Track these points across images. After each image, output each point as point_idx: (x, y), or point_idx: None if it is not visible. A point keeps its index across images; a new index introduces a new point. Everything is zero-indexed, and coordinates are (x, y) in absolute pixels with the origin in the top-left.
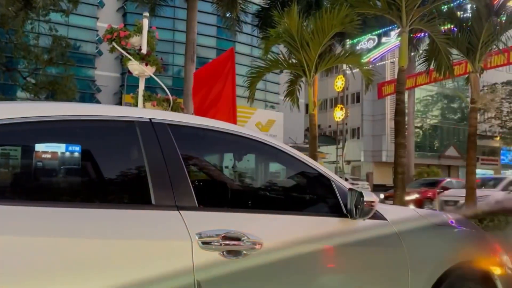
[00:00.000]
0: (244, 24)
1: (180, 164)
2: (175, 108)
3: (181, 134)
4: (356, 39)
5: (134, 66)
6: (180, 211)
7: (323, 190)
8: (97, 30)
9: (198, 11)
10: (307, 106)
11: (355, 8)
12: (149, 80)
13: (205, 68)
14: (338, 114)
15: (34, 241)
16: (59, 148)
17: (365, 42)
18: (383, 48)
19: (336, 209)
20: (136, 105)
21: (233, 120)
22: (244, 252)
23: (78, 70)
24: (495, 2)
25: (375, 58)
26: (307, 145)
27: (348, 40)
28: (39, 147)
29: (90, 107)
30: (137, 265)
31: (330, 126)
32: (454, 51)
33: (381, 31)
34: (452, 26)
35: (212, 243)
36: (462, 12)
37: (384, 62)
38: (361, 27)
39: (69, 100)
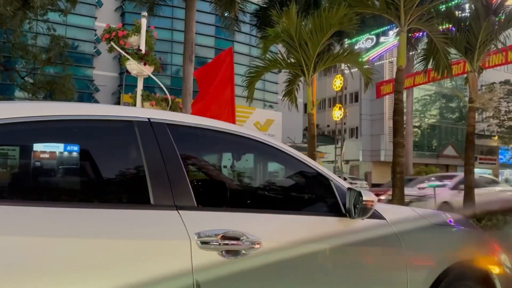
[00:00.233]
0: (242, 23)
1: (179, 164)
2: (174, 108)
3: (180, 134)
4: (355, 39)
5: (133, 66)
6: (179, 211)
7: (322, 189)
8: (95, 30)
9: (197, 10)
10: (305, 105)
11: (353, 8)
12: (147, 80)
13: (204, 68)
14: (337, 113)
15: (32, 241)
16: (58, 148)
17: (364, 41)
18: (382, 47)
19: (335, 209)
20: (135, 105)
21: (232, 120)
22: (243, 251)
23: (76, 69)
24: (493, 2)
25: (374, 58)
26: (306, 145)
27: (346, 39)
28: (38, 147)
29: (88, 106)
30: (136, 265)
31: (328, 126)
32: (452, 51)
33: (379, 30)
34: (450, 25)
35: (211, 243)
36: (460, 12)
37: (383, 61)
38: (360, 27)
39: (67, 100)
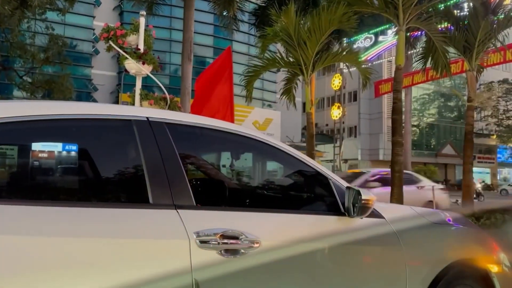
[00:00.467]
0: (241, 22)
1: (177, 163)
2: (172, 107)
3: (179, 133)
4: (353, 38)
5: (131, 65)
6: (177, 210)
7: (321, 188)
8: (93, 29)
9: (195, 9)
10: (304, 104)
11: (352, 6)
12: (146, 79)
13: (204, 74)
14: (335, 112)
15: (31, 241)
16: (56, 147)
17: (362, 40)
18: (380, 46)
19: (333, 208)
20: (133, 104)
21: (231, 119)
22: (242, 250)
23: (75, 69)
24: (492, 1)
25: (372, 57)
26: (304, 144)
27: (345, 38)
28: (36, 146)
29: (87, 106)
30: (134, 264)
31: (327, 125)
32: (451, 50)
33: (378, 29)
34: (449, 24)
35: (210, 242)
36: (459, 11)
37: (381, 60)
38: (358, 26)
39: (65, 99)
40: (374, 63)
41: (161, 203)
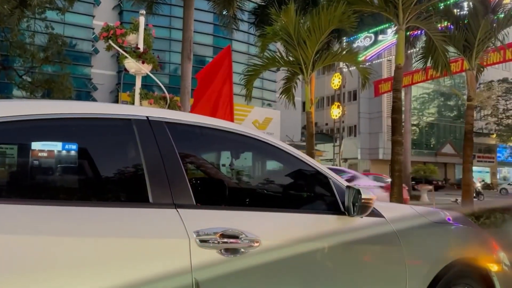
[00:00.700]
0: (240, 21)
1: (177, 162)
2: (172, 106)
3: (179, 132)
4: (353, 37)
5: (131, 64)
6: (177, 209)
7: (321, 187)
8: (93, 28)
9: (195, 9)
10: (304, 104)
11: (352, 6)
12: (145, 78)
13: (205, 69)
14: (335, 112)
15: (31, 240)
16: (56, 146)
17: (362, 39)
18: (380, 45)
19: (333, 207)
20: (133, 103)
21: (230, 118)
22: (242, 250)
23: (74, 68)
24: (491, 0)
25: (372, 56)
26: (304, 143)
27: (345, 37)
28: (36, 145)
29: (86, 105)
30: (134, 263)
31: (327, 124)
32: (451, 49)
33: (377, 28)
34: (448, 23)
35: (209, 241)
36: (458, 10)
37: (381, 60)
38: (358, 25)
39: (65, 99)
40: (373, 62)
41: (161, 202)
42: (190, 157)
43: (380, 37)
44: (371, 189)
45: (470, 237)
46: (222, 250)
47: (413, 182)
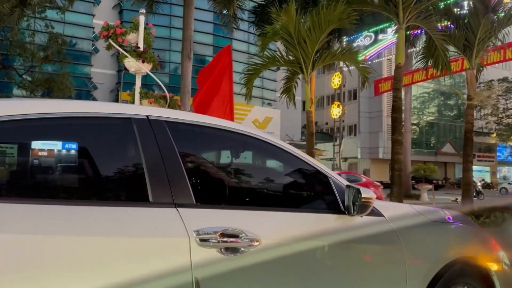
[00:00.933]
0: (240, 21)
1: (177, 161)
2: (172, 105)
3: (179, 131)
4: (353, 36)
5: (131, 63)
6: (177, 208)
7: (321, 187)
8: (93, 27)
9: (195, 8)
10: (304, 103)
11: (352, 5)
12: (145, 77)
13: (206, 69)
14: (335, 111)
15: (31, 239)
16: (56, 145)
17: (362, 39)
18: (380, 45)
19: (333, 206)
20: (133, 102)
21: (230, 117)
22: (242, 249)
23: (74, 67)
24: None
25: (372, 55)
26: (304, 142)
27: (345, 37)
28: (36, 144)
29: (86, 104)
30: (134, 262)
31: (327, 123)
32: (451, 48)
33: (378, 28)
34: (449, 23)
35: (210, 240)
36: (459, 9)
37: (381, 59)
38: (358, 24)
39: (65, 98)
40: (374, 61)
41: (161, 201)
42: (190, 156)
43: (380, 36)
44: None
45: (470, 236)
46: (222, 249)
47: (413, 181)
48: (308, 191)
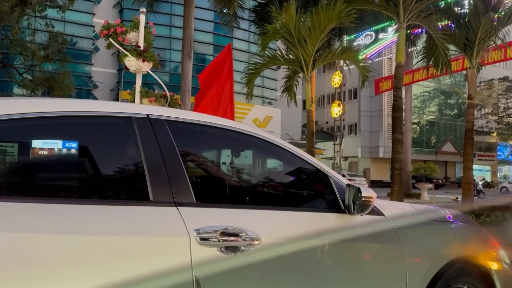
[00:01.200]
0: (241, 20)
1: (177, 160)
2: (173, 104)
3: (179, 130)
4: (354, 35)
5: (131, 62)
6: (178, 207)
7: (321, 186)
8: (93, 26)
9: (195, 7)
10: (304, 102)
11: (352, 4)
12: (146, 76)
13: (207, 69)
14: (336, 110)
15: (31, 238)
16: (56, 144)
17: (363, 38)
18: (381, 44)
19: (334, 205)
20: (133, 101)
21: (231, 116)
22: (242, 248)
23: (75, 66)
24: None
25: (372, 54)
26: (305, 141)
27: (345, 36)
28: (36, 143)
29: (87, 103)
30: (135, 261)
31: (327, 122)
32: (451, 47)
33: (378, 27)
34: (449, 22)
35: (210, 239)
36: (459, 8)
37: (381, 58)
38: (359, 23)
39: (65, 97)
40: (374, 60)
41: (162, 200)
42: (191, 155)
43: (380, 35)
44: None
45: (470, 235)
46: (223, 248)
47: (413, 181)
48: (308, 190)
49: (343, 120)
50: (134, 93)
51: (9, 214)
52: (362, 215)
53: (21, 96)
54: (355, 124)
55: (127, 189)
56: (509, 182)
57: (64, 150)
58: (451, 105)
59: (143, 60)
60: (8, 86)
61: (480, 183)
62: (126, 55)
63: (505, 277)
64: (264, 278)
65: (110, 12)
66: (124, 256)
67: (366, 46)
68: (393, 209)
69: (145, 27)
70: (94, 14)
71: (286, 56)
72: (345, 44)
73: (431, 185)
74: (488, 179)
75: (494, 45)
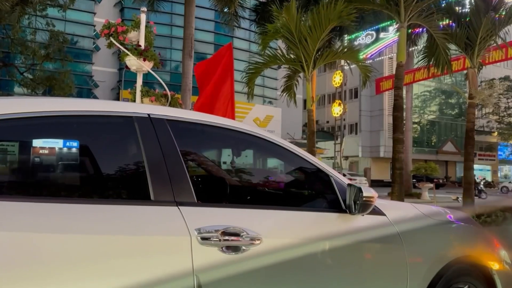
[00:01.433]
0: (241, 19)
1: (179, 159)
2: (173, 104)
3: (180, 129)
4: (354, 35)
5: (132, 61)
6: (179, 207)
7: (322, 185)
8: (94, 25)
9: (196, 6)
10: (305, 101)
11: (353, 3)
12: (146, 76)
13: (204, 64)
14: (336, 109)
15: (32, 237)
16: (57, 143)
17: (363, 37)
18: (381, 43)
19: (335, 205)
20: (134, 101)
21: (231, 116)
22: (243, 247)
23: (76, 65)
24: None
25: (373, 54)
26: (305, 141)
27: (346, 35)
28: (37, 142)
29: (88, 102)
30: (136, 261)
31: (328, 122)
32: (452, 47)
33: (379, 26)
34: (450, 21)
35: (211, 239)
36: (460, 7)
37: (382, 57)
38: (359, 23)
39: (66, 96)
40: (375, 60)
41: (163, 199)
42: (192, 155)
43: (381, 34)
44: None
45: (471, 235)
46: (223, 248)
47: (414, 180)
48: (309, 190)
49: (344, 119)
50: (135, 93)
51: (10, 214)
52: (363, 215)
53: (21, 95)
54: (356, 124)
55: (128, 188)
56: (510, 182)
57: (65, 150)
58: (452, 104)
59: (144, 59)
60: (9, 85)
61: (482, 182)
62: (127, 54)
63: (506, 277)
64: (265, 278)
65: (111, 11)
66: (125, 255)
67: (367, 46)
68: (394, 209)
69: (146, 26)
70: (94, 13)
71: (286, 56)
72: (346, 44)
73: (431, 185)
74: (489, 178)
75: (495, 44)
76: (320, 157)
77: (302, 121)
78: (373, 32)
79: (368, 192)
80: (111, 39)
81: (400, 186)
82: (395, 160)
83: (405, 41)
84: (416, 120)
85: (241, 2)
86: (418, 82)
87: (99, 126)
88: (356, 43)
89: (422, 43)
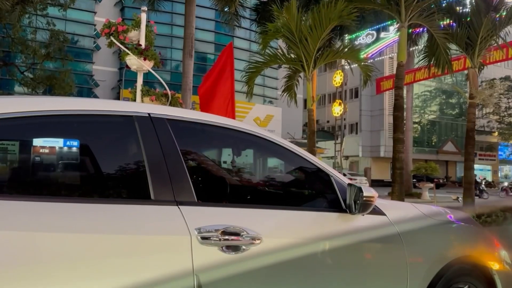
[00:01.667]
0: (242, 18)
1: (179, 159)
2: (174, 103)
3: (180, 129)
4: (355, 34)
5: (132, 61)
6: (179, 206)
7: (322, 185)
8: (95, 25)
9: (196, 5)
10: (305, 101)
11: (353, 3)
12: (147, 75)
13: (209, 74)
14: (337, 109)
15: (32, 236)
16: (58, 143)
17: (364, 37)
18: (382, 43)
19: (335, 204)
20: (135, 100)
21: (232, 115)
22: (243, 247)
23: (76, 64)
24: None
25: (374, 53)
26: (306, 140)
27: (346, 35)
28: (37, 141)
29: (88, 101)
30: (136, 260)
31: (328, 122)
32: (453, 46)
33: (380, 26)
34: (451, 21)
35: (211, 238)
36: (461, 7)
37: (383, 57)
38: (360, 22)
39: (67, 95)
40: (375, 59)
41: (163, 199)
42: (192, 154)
43: (382, 34)
44: None
45: (472, 235)
46: (224, 247)
47: (414, 180)
48: (309, 190)
49: (344, 119)
50: (135, 92)
51: (11, 213)
52: (363, 215)
53: (22, 94)
54: (356, 123)
55: (128, 188)
56: (511, 182)
57: (66, 149)
58: (452, 104)
59: (144, 59)
60: (9, 84)
61: (483, 182)
62: (127, 54)
63: (506, 277)
64: (265, 277)
65: (112, 11)
66: (125, 255)
67: (368, 45)
68: (394, 209)
69: (146, 25)
70: (95, 13)
71: (287, 55)
72: (346, 43)
73: (432, 185)
74: (489, 178)
75: (495, 44)
76: (320, 156)
77: (303, 120)
78: (374, 32)
79: (368, 192)
80: (112, 38)
81: (400, 186)
82: (395, 160)
83: (405, 40)
84: (417, 120)
85: (242, 1)
86: (418, 82)
87: (100, 125)
88: (356, 42)
89: (422, 42)
